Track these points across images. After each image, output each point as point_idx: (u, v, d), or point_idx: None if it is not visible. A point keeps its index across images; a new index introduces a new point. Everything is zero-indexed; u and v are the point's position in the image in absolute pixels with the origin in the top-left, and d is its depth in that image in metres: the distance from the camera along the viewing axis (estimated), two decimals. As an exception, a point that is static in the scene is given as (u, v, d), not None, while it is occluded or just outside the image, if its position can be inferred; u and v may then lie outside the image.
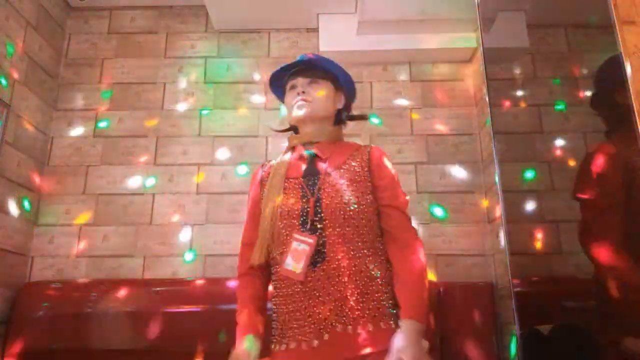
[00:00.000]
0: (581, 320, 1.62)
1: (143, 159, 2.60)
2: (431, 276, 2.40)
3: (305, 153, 1.38)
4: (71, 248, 2.45)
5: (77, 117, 2.67)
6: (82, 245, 2.46)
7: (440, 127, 2.65)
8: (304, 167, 1.36)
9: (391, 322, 1.23)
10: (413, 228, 1.35)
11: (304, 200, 1.28)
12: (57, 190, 2.54)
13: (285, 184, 1.33)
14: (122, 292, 2.26)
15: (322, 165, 1.35)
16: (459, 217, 2.50)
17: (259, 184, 1.43)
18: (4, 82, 2.27)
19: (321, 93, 1.40)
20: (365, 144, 1.47)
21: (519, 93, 2.02)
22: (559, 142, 1.79)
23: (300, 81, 1.41)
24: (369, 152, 1.40)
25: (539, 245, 1.81)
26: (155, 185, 2.55)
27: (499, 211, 2.13)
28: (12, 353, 2.14)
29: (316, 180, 1.31)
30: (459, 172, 2.58)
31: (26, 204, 2.42)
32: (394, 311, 1.25)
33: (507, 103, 2.04)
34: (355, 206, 1.27)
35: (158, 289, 2.29)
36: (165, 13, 2.88)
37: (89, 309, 2.20)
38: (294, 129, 1.52)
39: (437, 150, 2.61)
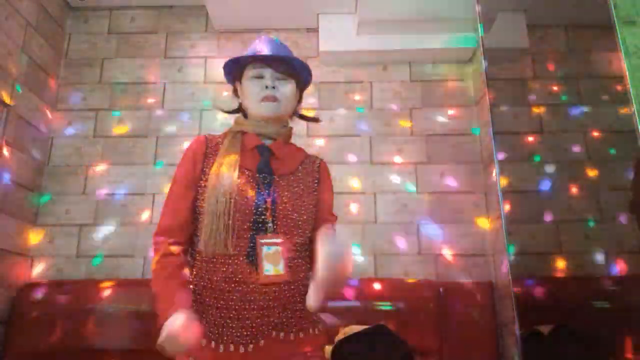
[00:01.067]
0: (581, 320, 1.62)
1: (143, 159, 2.60)
2: (431, 276, 2.40)
3: (261, 147, 1.32)
4: (71, 248, 2.45)
5: (77, 117, 2.67)
6: (82, 245, 2.46)
7: (440, 127, 2.65)
8: (257, 160, 1.30)
9: (319, 328, 1.27)
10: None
11: (259, 198, 1.23)
12: (57, 190, 2.54)
13: (239, 174, 1.26)
14: (122, 292, 2.26)
15: (276, 166, 1.31)
16: (459, 217, 2.50)
17: (201, 157, 1.30)
18: (4, 82, 2.27)
19: (289, 92, 1.34)
20: (312, 154, 1.43)
21: (519, 93, 2.02)
22: (559, 142, 1.79)
23: (269, 73, 1.32)
24: (319, 166, 1.39)
25: (539, 245, 1.81)
26: (155, 185, 2.55)
27: (498, 211, 2.13)
28: (12, 353, 2.14)
29: (270, 180, 1.28)
30: (459, 172, 2.57)
31: (26, 204, 2.42)
32: (319, 318, 1.29)
33: (507, 103, 2.04)
34: (305, 216, 1.27)
35: (158, 289, 2.28)
36: (165, 13, 2.88)
37: (89, 309, 2.20)
38: (242, 111, 1.43)
39: (437, 150, 2.61)
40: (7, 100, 2.28)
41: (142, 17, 2.86)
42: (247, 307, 1.17)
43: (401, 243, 2.45)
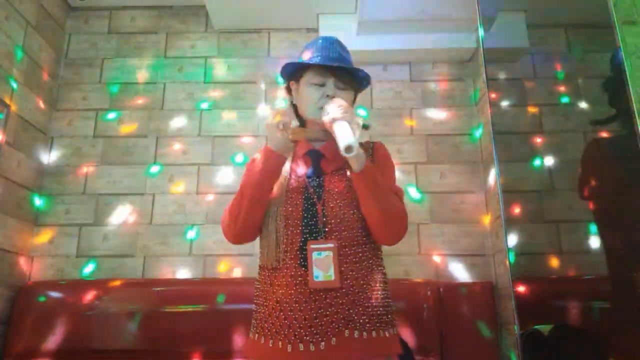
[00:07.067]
0: (581, 320, 1.62)
1: (143, 159, 2.60)
2: (431, 276, 2.40)
3: (311, 152, 1.34)
4: (71, 248, 2.45)
5: (77, 117, 2.67)
6: (82, 245, 2.46)
7: (440, 127, 2.65)
8: (308, 166, 1.33)
9: (393, 330, 1.24)
10: (404, 208, 1.31)
11: (308, 203, 1.25)
12: (57, 190, 2.54)
13: (289, 182, 1.30)
14: (122, 292, 2.26)
15: (327, 166, 1.32)
16: (459, 217, 2.50)
17: None
18: (4, 82, 2.27)
19: (348, 101, 1.33)
20: (367, 140, 1.44)
21: (519, 93, 2.02)
22: (559, 142, 1.79)
23: (332, 82, 1.32)
24: (372, 147, 1.39)
25: (539, 245, 1.81)
26: (155, 185, 2.56)
27: (499, 211, 2.12)
28: (12, 353, 2.14)
29: (322, 182, 1.28)
30: (459, 172, 2.57)
31: (26, 204, 2.42)
32: (394, 320, 1.26)
33: (507, 103, 2.04)
34: (356, 208, 1.25)
35: (158, 289, 2.29)
36: (165, 13, 2.88)
37: (89, 308, 2.20)
38: (296, 114, 1.44)
39: (437, 150, 2.61)
40: (7, 100, 2.28)
41: (142, 17, 2.86)
42: (312, 306, 1.17)
43: (401, 243, 2.44)
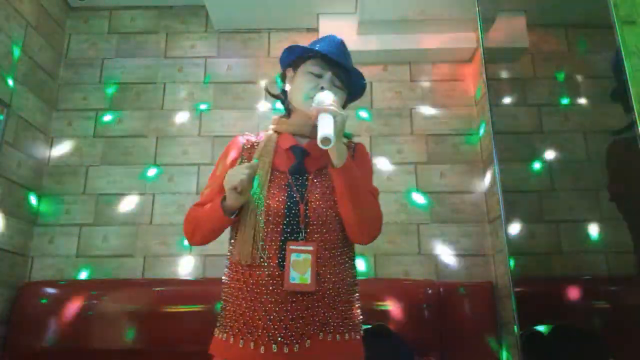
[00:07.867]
0: (581, 320, 1.62)
1: (143, 159, 2.60)
2: (431, 276, 2.40)
3: (295, 148, 1.31)
4: (71, 248, 2.45)
5: (77, 117, 2.67)
6: (82, 245, 2.46)
7: (440, 127, 2.65)
8: (292, 161, 1.28)
9: (361, 333, 1.25)
10: (380, 209, 1.29)
11: (291, 202, 1.22)
12: (57, 190, 2.54)
13: (271, 177, 1.26)
14: (122, 292, 2.26)
15: (310, 164, 1.29)
16: (459, 217, 2.50)
17: (238, 156, 1.33)
18: (4, 82, 2.27)
19: (338, 99, 1.29)
20: (354, 142, 1.41)
21: (519, 93, 2.02)
22: (559, 142, 1.79)
23: (327, 76, 1.30)
24: (354, 148, 1.37)
25: (539, 245, 1.81)
26: (155, 185, 2.56)
27: (499, 211, 2.12)
28: (12, 353, 2.14)
29: (305, 181, 1.25)
30: (459, 172, 2.57)
31: (26, 204, 2.42)
32: (362, 322, 1.27)
33: (507, 103, 2.04)
34: (337, 210, 1.23)
35: (158, 289, 2.29)
36: (165, 13, 2.88)
37: (89, 309, 2.20)
38: (285, 98, 1.41)
39: (437, 150, 2.61)
40: (7, 100, 2.28)
41: (142, 17, 2.86)
42: (288, 308, 1.15)
43: (401, 243, 2.45)
